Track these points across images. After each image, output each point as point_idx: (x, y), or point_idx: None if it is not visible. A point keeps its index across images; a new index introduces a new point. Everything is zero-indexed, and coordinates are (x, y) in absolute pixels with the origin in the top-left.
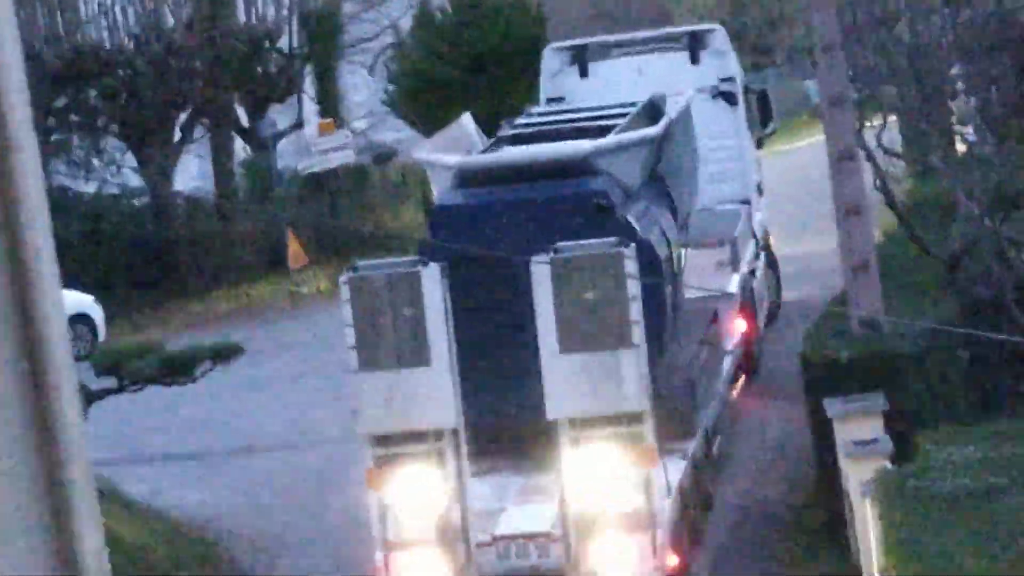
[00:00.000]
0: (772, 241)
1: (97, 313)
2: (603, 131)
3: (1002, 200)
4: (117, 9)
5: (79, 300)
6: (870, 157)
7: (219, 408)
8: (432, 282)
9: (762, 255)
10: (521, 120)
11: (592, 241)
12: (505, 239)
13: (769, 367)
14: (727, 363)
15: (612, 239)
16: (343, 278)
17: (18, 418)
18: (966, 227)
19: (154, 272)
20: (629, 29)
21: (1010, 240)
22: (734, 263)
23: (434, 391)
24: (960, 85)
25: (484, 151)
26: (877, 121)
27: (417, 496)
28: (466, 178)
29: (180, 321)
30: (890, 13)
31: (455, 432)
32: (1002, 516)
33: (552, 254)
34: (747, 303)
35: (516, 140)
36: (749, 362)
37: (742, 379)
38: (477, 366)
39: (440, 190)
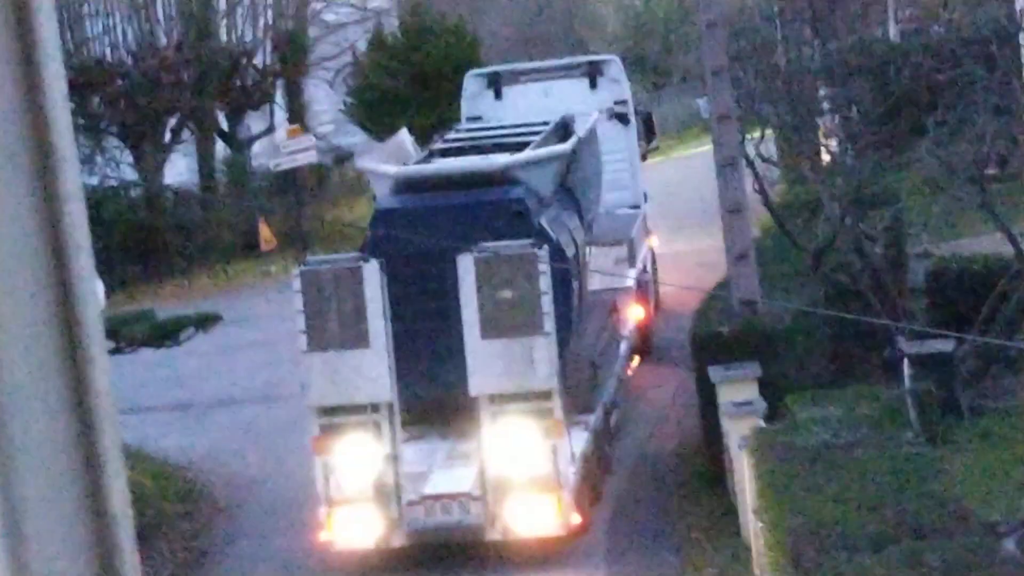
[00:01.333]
0: (655, 241)
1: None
2: (521, 146)
3: (860, 202)
4: (118, 30)
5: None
6: (750, 164)
7: (200, 368)
8: (372, 276)
9: (653, 253)
10: (450, 135)
11: (511, 242)
12: (437, 239)
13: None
14: (624, 347)
15: (528, 241)
16: (295, 271)
17: (56, 389)
18: (829, 225)
19: (146, 252)
20: (549, 52)
21: (866, 236)
22: (631, 260)
23: (372, 370)
24: (826, 105)
25: (418, 162)
26: (756, 134)
27: (356, 460)
28: (403, 186)
29: (168, 294)
30: (768, 43)
31: (390, 405)
32: (854, 465)
33: (476, 252)
34: (642, 295)
35: (446, 153)
36: (645, 345)
37: (636, 360)
38: (411, 348)
39: (380, 195)
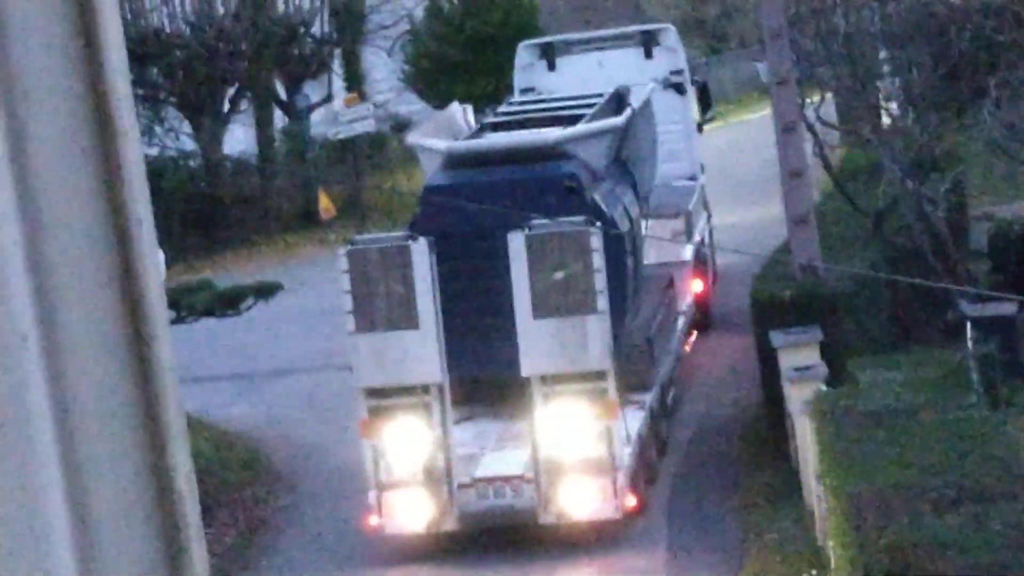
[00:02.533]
0: (711, 216)
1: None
2: (574, 120)
3: (920, 165)
4: (176, 0)
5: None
6: (810, 128)
7: (261, 337)
8: (421, 255)
9: (710, 226)
10: (502, 108)
11: (563, 219)
12: (487, 216)
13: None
14: (681, 323)
15: (580, 218)
16: (341, 251)
17: (120, 364)
18: (890, 188)
19: (206, 222)
20: (606, 18)
21: (927, 199)
22: (688, 233)
23: (421, 351)
24: (886, 68)
25: (469, 137)
26: (816, 98)
27: (406, 443)
28: (453, 161)
29: (228, 263)
30: (827, 5)
31: (440, 387)
32: (918, 429)
33: (527, 230)
34: (700, 268)
35: (497, 127)
36: (704, 319)
37: (694, 335)
38: (461, 328)
39: (430, 171)
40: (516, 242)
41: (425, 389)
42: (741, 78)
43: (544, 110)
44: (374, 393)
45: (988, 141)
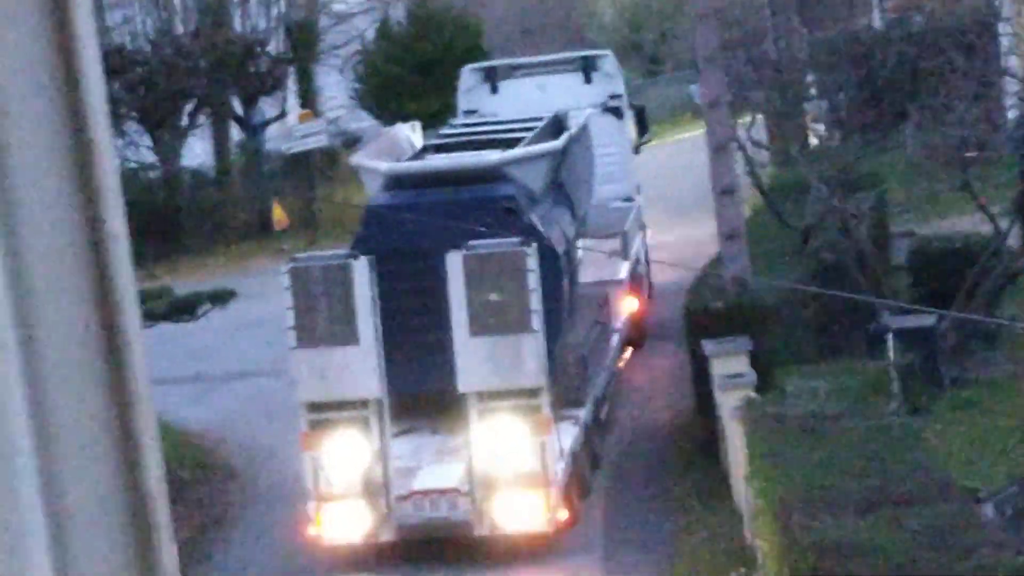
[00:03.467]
0: (648, 233)
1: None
2: (513, 143)
3: (846, 183)
4: (138, 19)
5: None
6: (741, 148)
7: (216, 341)
8: (361, 273)
9: (645, 244)
10: (444, 130)
11: (500, 240)
12: (427, 236)
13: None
14: (615, 340)
15: (517, 239)
16: (284, 268)
17: (96, 371)
18: (817, 205)
19: (164, 231)
20: (548, 42)
21: (851, 215)
22: (624, 252)
23: (361, 366)
24: (814, 91)
25: (411, 158)
26: (747, 119)
27: (345, 456)
28: (394, 182)
29: (185, 271)
30: (759, 31)
31: (379, 402)
32: (841, 434)
33: (465, 250)
34: (635, 286)
35: (440, 149)
36: (638, 335)
37: (629, 351)
38: (401, 344)
39: (372, 192)
40: (454, 262)
41: (364, 404)
42: (675, 100)
43: (485, 133)
44: (314, 407)
45: (909, 161)
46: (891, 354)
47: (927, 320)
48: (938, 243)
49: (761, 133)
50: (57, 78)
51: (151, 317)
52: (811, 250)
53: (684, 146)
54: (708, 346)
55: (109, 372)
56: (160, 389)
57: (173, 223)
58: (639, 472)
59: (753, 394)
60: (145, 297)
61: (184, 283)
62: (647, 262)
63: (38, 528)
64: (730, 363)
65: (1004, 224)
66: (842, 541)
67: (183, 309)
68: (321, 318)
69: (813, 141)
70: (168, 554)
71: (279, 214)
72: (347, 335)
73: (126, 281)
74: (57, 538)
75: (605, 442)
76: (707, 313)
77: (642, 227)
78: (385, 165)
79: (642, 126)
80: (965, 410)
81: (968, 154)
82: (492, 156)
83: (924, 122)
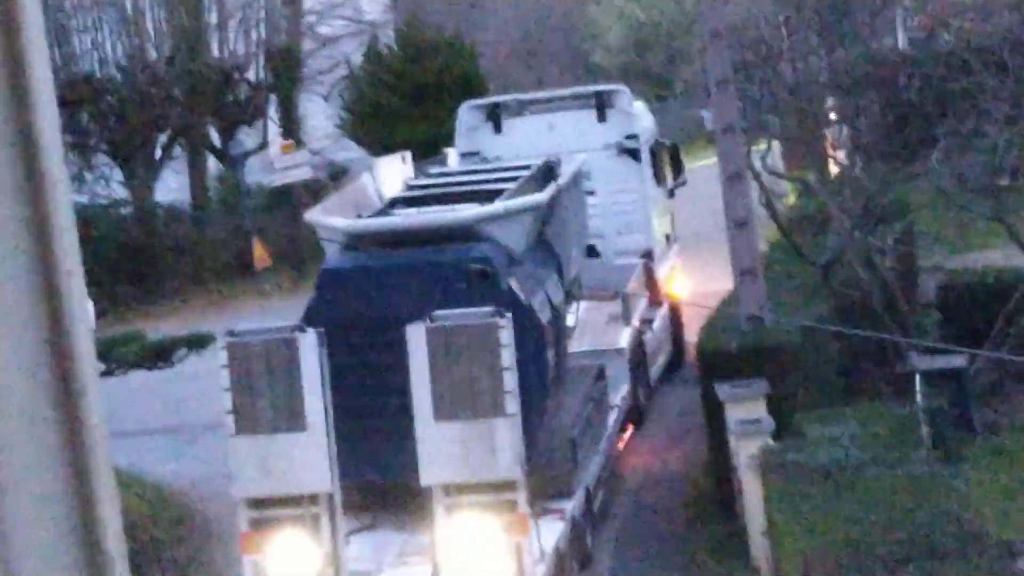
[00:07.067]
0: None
1: (88, 307)
2: (495, 195)
3: (869, 214)
4: (107, 44)
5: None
6: (756, 177)
7: (194, 390)
8: (309, 349)
9: (664, 305)
10: (418, 181)
11: (469, 310)
12: (389, 303)
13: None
14: (612, 418)
15: (488, 308)
16: (221, 343)
17: (49, 419)
18: (838, 238)
19: (138, 272)
20: (549, 65)
21: (876, 249)
22: (626, 317)
23: (309, 456)
24: (833, 116)
25: (376, 214)
26: (763, 146)
27: (291, 560)
28: (354, 241)
29: (161, 314)
30: (774, 53)
31: (330, 496)
32: (866, 484)
33: (429, 322)
34: (638, 357)
35: (410, 202)
36: (636, 415)
37: (629, 431)
38: (359, 428)
39: (330, 252)
40: (416, 335)
41: (313, 499)
42: (686, 126)
43: (464, 183)
44: (256, 504)
45: (937, 190)
46: (919, 397)
47: (958, 361)
48: (969, 278)
49: (778, 161)
50: (7, 109)
51: (123, 364)
52: (832, 286)
53: (696, 175)
54: (722, 390)
55: (63, 421)
56: (135, 441)
57: (147, 262)
58: (648, 526)
59: (771, 441)
60: (117, 342)
61: (159, 327)
62: (678, 324)
63: None
64: (746, 408)
65: None
66: None
67: (158, 355)
68: (263, 401)
69: (834, 169)
70: None
71: (260, 252)
72: (293, 420)
73: (81, 324)
74: None
75: (599, 537)
76: (721, 354)
77: (652, 286)
78: (343, 222)
79: (677, 166)
80: (999, 457)
81: (1000, 182)
82: (466, 211)
83: (953, 148)
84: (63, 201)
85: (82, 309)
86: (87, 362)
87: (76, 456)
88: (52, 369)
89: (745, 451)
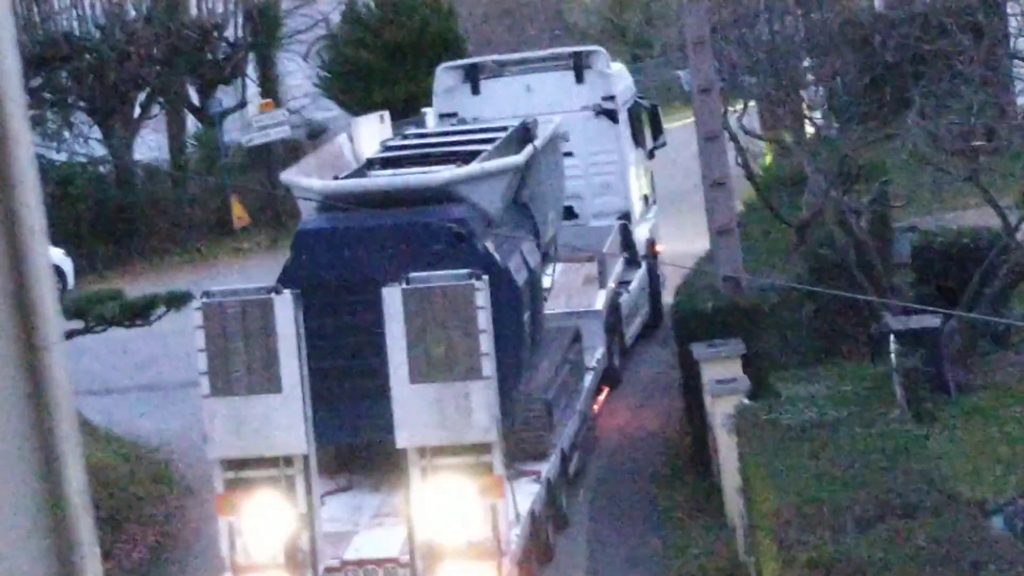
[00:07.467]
0: (660, 249)
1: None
2: (471, 157)
3: (844, 175)
4: (85, 2)
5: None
6: (733, 137)
7: (171, 347)
8: (284, 309)
9: (642, 267)
10: (395, 142)
11: (445, 272)
12: (365, 264)
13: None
14: (588, 380)
15: (464, 271)
16: (196, 304)
17: (10, 374)
18: (813, 198)
19: (116, 230)
20: (527, 26)
21: (850, 209)
22: (602, 279)
23: (284, 418)
24: (810, 76)
25: (351, 175)
26: (739, 106)
27: (266, 521)
28: (329, 203)
29: (139, 272)
30: (750, 13)
31: (305, 458)
32: (840, 443)
33: (404, 284)
34: (614, 319)
35: (387, 163)
36: (612, 376)
37: (605, 392)
38: (335, 390)
39: (305, 214)
40: (391, 297)
41: (288, 460)
42: (663, 87)
43: (441, 145)
44: (231, 464)
45: (913, 151)
46: (893, 357)
47: (932, 321)
48: (943, 238)
49: (754, 122)
50: None
51: (101, 322)
52: (808, 247)
53: (672, 136)
54: (698, 350)
55: (26, 376)
56: (113, 399)
57: (125, 221)
58: (625, 486)
59: (746, 401)
60: (95, 300)
61: (137, 285)
62: (656, 286)
63: None
64: (721, 368)
65: (1013, 218)
66: (842, 557)
67: (136, 313)
68: (238, 362)
69: (810, 130)
70: (93, 573)
71: (239, 211)
72: (268, 382)
73: (45, 278)
74: None
75: (575, 498)
76: (697, 314)
77: (628, 248)
78: (319, 183)
79: (656, 128)
80: (972, 417)
81: (975, 143)
82: (442, 173)
83: (928, 109)
84: (24, 157)
85: (46, 265)
86: (51, 318)
87: (39, 411)
88: (15, 324)
89: (721, 410)
